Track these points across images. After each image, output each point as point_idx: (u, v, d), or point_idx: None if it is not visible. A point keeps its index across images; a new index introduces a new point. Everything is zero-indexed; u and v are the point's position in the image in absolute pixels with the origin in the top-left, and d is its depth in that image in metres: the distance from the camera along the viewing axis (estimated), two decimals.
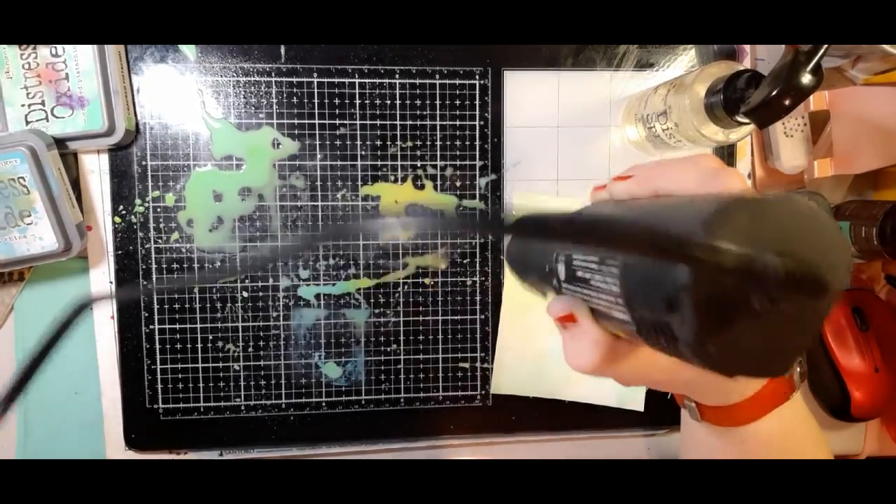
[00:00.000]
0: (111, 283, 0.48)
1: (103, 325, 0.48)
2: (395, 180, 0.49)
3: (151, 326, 0.48)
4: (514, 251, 0.34)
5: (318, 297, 0.49)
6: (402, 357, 0.50)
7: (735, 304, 0.18)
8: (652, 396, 0.52)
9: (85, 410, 0.49)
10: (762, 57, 0.53)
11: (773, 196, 0.19)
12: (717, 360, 0.18)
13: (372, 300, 0.50)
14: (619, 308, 0.22)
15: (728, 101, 0.38)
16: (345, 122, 0.48)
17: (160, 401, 0.48)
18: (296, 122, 0.48)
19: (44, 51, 0.43)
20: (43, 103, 0.43)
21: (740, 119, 0.38)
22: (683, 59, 0.51)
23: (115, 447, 0.49)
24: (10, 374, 0.49)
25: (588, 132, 0.51)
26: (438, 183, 0.50)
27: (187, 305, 0.48)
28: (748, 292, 0.18)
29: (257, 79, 0.47)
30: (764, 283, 0.17)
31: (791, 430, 0.31)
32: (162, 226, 0.47)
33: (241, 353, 0.49)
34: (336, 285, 0.49)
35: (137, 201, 0.47)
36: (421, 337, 0.50)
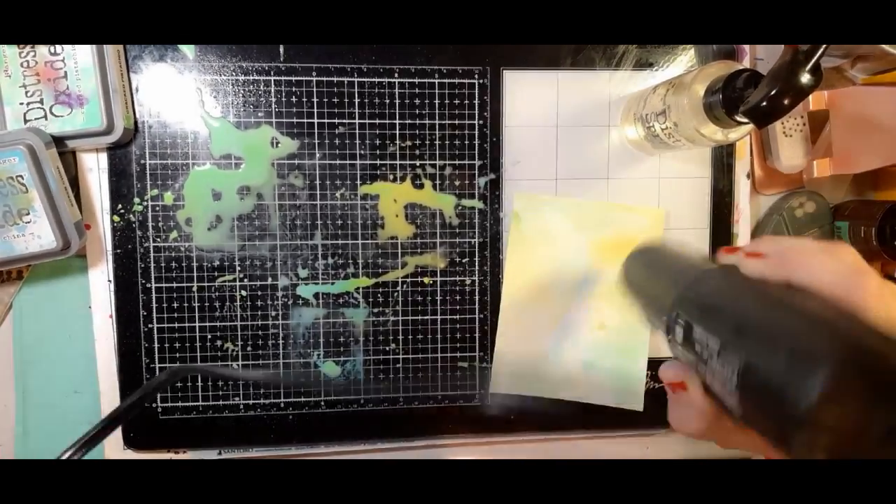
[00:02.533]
0: (109, 281, 0.48)
1: (102, 324, 0.48)
2: (394, 179, 0.49)
3: (150, 325, 0.48)
4: (634, 278, 0.34)
5: (316, 296, 0.49)
6: (400, 356, 0.50)
7: (868, 435, 0.18)
8: (651, 396, 0.52)
9: (84, 410, 0.49)
10: (761, 56, 0.53)
11: None
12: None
13: (371, 299, 0.50)
14: (731, 395, 0.22)
15: (727, 100, 0.38)
16: (344, 121, 0.48)
17: (159, 400, 0.48)
18: (295, 121, 0.48)
19: (42, 49, 0.43)
20: (41, 102, 0.43)
21: (739, 119, 0.38)
22: (682, 59, 0.51)
23: (113, 447, 0.49)
24: (7, 373, 0.49)
25: (587, 132, 0.51)
26: (437, 182, 0.50)
27: (186, 304, 0.48)
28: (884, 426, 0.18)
29: (256, 78, 0.47)
30: None
31: None
32: (161, 224, 0.47)
33: (239, 352, 0.49)
34: (335, 284, 0.49)
35: (136, 200, 0.47)
36: (420, 336, 0.50)
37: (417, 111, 0.49)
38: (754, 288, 0.25)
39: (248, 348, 0.49)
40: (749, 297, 0.25)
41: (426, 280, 0.50)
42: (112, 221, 0.47)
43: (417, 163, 0.49)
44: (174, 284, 0.48)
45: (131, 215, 0.47)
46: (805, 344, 0.20)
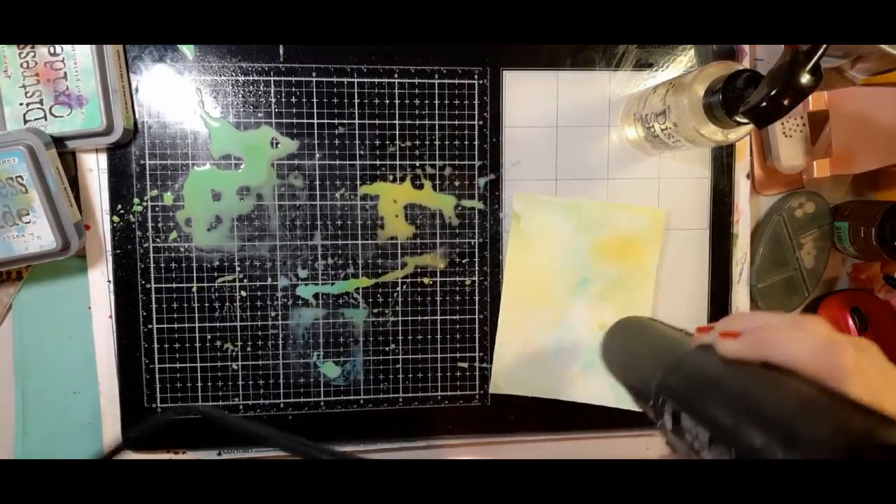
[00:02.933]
0: (109, 282, 0.48)
1: (101, 324, 0.48)
2: (394, 180, 0.49)
3: (150, 326, 0.48)
4: (614, 359, 0.34)
5: (316, 296, 0.49)
6: (400, 357, 0.50)
7: None
8: None
9: (83, 410, 0.49)
10: (761, 57, 0.53)
11: None
12: None
13: (370, 300, 0.50)
14: None
15: (727, 100, 0.38)
16: (343, 121, 0.48)
17: (158, 400, 0.48)
18: (294, 121, 0.48)
19: (42, 50, 0.43)
20: (41, 102, 0.43)
21: (739, 119, 0.38)
22: (682, 59, 0.51)
23: (113, 447, 0.49)
24: (7, 373, 0.49)
25: (587, 132, 0.51)
26: (437, 182, 0.49)
27: (185, 304, 0.48)
28: None
29: (256, 78, 0.47)
30: None
31: None
32: (160, 225, 0.47)
33: (239, 353, 0.49)
34: (335, 285, 0.49)
35: (136, 200, 0.47)
36: (420, 336, 0.50)
37: (417, 111, 0.49)
38: (735, 371, 0.25)
39: (248, 349, 0.49)
40: (732, 383, 0.25)
41: (426, 280, 0.50)
42: (112, 222, 0.47)
43: (417, 163, 0.49)
44: (174, 285, 0.48)
45: (131, 216, 0.47)
46: (804, 432, 0.20)
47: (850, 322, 0.55)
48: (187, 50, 0.47)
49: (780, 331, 0.25)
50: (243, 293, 0.49)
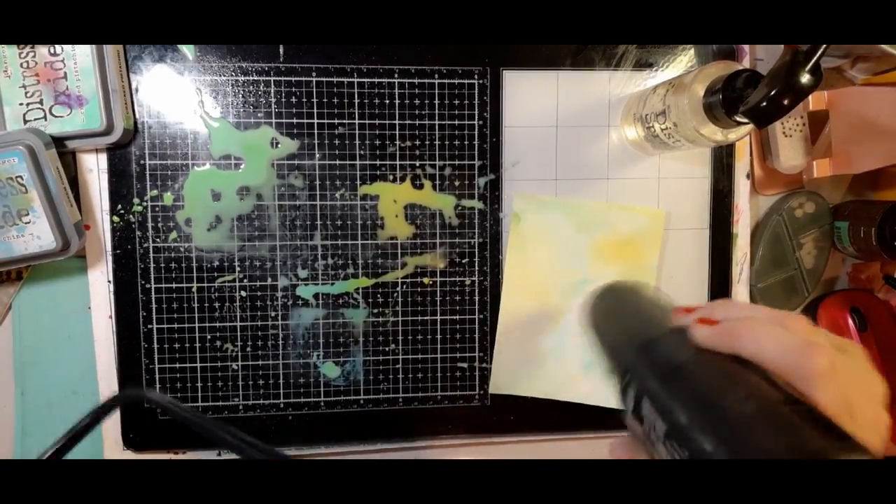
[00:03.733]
0: (109, 282, 0.48)
1: (101, 324, 0.48)
2: (394, 180, 0.49)
3: (149, 326, 0.48)
4: (596, 322, 0.33)
5: (316, 296, 0.49)
6: (400, 357, 0.50)
7: None
8: None
9: (83, 410, 0.49)
10: (761, 57, 0.53)
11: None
12: None
13: (370, 300, 0.50)
14: None
15: (727, 100, 0.38)
16: (343, 121, 0.48)
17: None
18: (294, 121, 0.48)
19: (42, 50, 0.43)
20: (41, 102, 0.43)
21: (739, 119, 0.38)
22: (682, 59, 0.51)
23: (113, 447, 0.49)
24: (7, 373, 0.49)
25: (587, 132, 0.51)
26: (437, 182, 0.49)
27: (185, 305, 0.48)
28: None
29: (256, 78, 0.47)
30: None
31: None
32: (160, 225, 0.47)
33: (239, 353, 0.49)
34: (334, 285, 0.49)
35: (136, 200, 0.47)
36: (419, 336, 0.50)
37: (417, 111, 0.49)
38: (704, 362, 0.24)
39: (248, 349, 0.49)
40: (697, 376, 0.24)
41: (426, 280, 0.50)
42: (112, 222, 0.47)
43: (417, 163, 0.49)
44: (174, 285, 0.48)
45: (131, 216, 0.47)
46: (755, 443, 0.20)
47: (850, 322, 0.55)
48: (187, 50, 0.47)
49: (757, 324, 0.24)
50: (243, 293, 0.49)
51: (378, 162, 0.49)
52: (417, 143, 0.49)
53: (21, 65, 0.43)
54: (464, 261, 0.50)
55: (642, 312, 0.31)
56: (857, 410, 0.21)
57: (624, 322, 0.31)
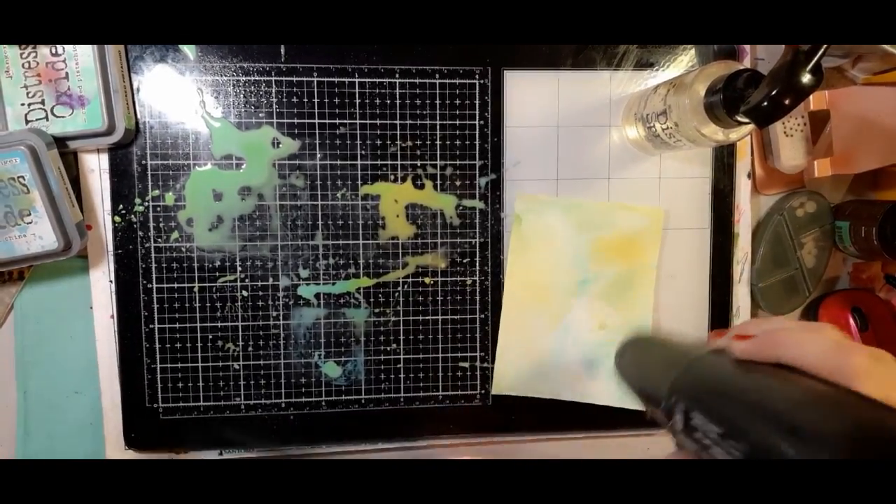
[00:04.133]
0: (111, 282, 0.48)
1: (103, 324, 0.48)
2: (395, 180, 0.49)
3: (151, 326, 0.48)
4: (628, 373, 0.35)
5: (317, 296, 0.49)
6: (401, 356, 0.50)
7: None
8: None
9: (85, 410, 0.49)
10: (762, 56, 0.53)
11: None
12: None
13: (372, 299, 0.50)
14: None
15: (728, 100, 0.38)
16: (345, 121, 0.48)
17: (160, 400, 0.48)
18: (296, 121, 0.48)
19: (44, 50, 0.43)
20: (43, 102, 0.43)
21: (740, 119, 0.38)
22: (683, 59, 0.51)
23: (114, 447, 0.49)
24: (9, 373, 0.49)
25: (588, 132, 0.51)
26: (438, 182, 0.50)
27: (187, 305, 0.48)
28: None
29: (257, 78, 0.47)
30: None
31: None
32: (162, 225, 0.47)
33: (240, 353, 0.49)
34: (336, 284, 0.49)
35: (137, 200, 0.47)
36: (421, 336, 0.50)
37: (418, 111, 0.49)
38: (748, 370, 0.26)
39: (249, 349, 0.49)
40: (744, 381, 0.25)
41: (427, 280, 0.50)
42: (113, 222, 0.47)
43: (418, 163, 0.49)
44: (175, 285, 0.48)
45: (132, 216, 0.47)
46: (811, 423, 0.20)
47: (851, 322, 0.55)
48: (188, 50, 0.47)
49: (793, 332, 0.25)
50: (245, 293, 0.49)
51: (379, 162, 0.49)
52: (418, 142, 0.49)
53: (23, 65, 0.43)
54: (465, 260, 0.50)
55: (673, 347, 0.32)
56: None
57: (657, 359, 0.32)
